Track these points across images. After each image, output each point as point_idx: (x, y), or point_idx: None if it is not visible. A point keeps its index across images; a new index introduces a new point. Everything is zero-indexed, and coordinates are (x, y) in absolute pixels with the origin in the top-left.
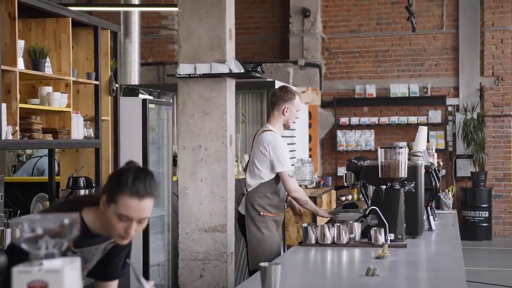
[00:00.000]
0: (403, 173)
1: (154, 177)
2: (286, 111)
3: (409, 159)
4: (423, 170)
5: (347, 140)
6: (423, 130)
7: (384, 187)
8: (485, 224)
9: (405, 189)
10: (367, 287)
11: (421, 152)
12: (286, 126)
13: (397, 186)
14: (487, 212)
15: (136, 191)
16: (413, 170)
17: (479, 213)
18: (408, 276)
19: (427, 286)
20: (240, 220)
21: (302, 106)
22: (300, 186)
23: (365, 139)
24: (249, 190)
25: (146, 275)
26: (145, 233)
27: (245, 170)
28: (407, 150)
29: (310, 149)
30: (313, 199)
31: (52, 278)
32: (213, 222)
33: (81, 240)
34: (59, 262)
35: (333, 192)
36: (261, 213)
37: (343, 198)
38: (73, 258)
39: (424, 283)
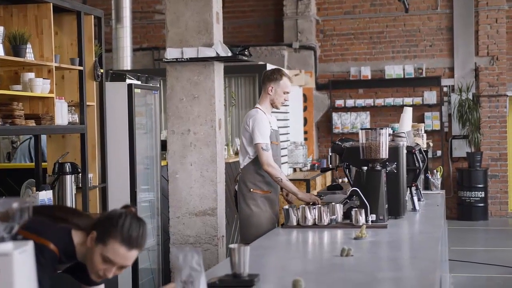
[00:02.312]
0: (384, 154)
1: (146, 228)
2: (272, 91)
3: (392, 140)
4: (405, 151)
5: (343, 122)
6: (407, 111)
7: (365, 168)
8: (481, 204)
9: (386, 170)
10: (340, 267)
11: (404, 133)
12: (274, 106)
13: (379, 167)
14: (483, 192)
15: (128, 239)
16: (394, 151)
17: (475, 193)
18: (381, 256)
19: (398, 265)
20: (236, 196)
21: (296, 89)
22: (295, 169)
23: (360, 121)
24: (241, 167)
25: (135, 260)
26: None
27: (237, 153)
28: (388, 131)
29: (305, 132)
30: (307, 181)
31: (1, 261)
32: (203, 206)
33: (64, 258)
34: (9, 246)
35: (328, 174)
36: (251, 189)
37: (340, 180)
38: (24, 242)
39: (394, 262)
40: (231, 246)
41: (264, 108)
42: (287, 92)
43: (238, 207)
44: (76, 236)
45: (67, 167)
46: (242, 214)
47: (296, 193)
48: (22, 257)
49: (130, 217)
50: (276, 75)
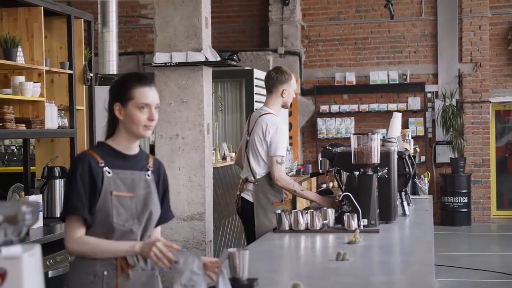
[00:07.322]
0: (375, 159)
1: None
2: (285, 93)
3: (383, 145)
4: (396, 156)
5: (328, 127)
6: (397, 117)
7: (357, 173)
8: (465, 210)
9: (378, 175)
10: (336, 271)
11: (394, 138)
12: (285, 107)
13: (370, 172)
14: (466, 197)
15: (144, 81)
16: (386, 156)
17: (458, 199)
18: (376, 260)
19: (394, 268)
20: (244, 206)
21: None
22: None
23: (345, 127)
24: (257, 177)
25: None
26: None
27: (224, 158)
28: (379, 136)
29: (290, 137)
30: None
31: (10, 264)
32: (191, 211)
33: (114, 160)
34: (18, 249)
35: (313, 179)
36: (273, 202)
37: (324, 186)
38: (33, 245)
39: (390, 266)
40: (230, 250)
41: (276, 112)
42: (296, 90)
43: (255, 219)
44: (110, 142)
45: (57, 172)
46: (262, 227)
47: (315, 200)
48: (31, 260)
49: (128, 74)
50: (286, 76)
